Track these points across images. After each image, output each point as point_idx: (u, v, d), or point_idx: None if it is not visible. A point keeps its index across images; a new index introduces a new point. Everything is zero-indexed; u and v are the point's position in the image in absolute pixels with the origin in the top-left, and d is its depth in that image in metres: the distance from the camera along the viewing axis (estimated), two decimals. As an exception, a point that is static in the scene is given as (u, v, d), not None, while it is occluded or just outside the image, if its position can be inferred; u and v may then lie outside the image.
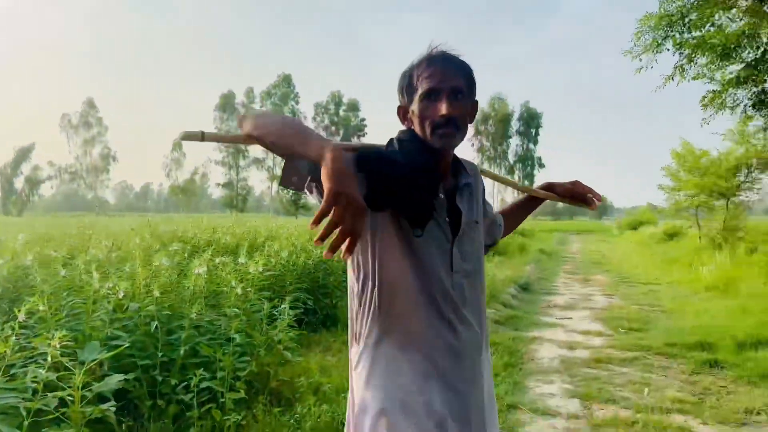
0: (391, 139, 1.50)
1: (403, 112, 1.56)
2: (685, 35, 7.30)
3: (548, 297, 9.53)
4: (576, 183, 1.93)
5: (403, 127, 1.56)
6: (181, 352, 3.43)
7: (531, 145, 60.41)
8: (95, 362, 2.91)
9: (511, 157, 60.33)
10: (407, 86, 1.50)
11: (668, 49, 7.49)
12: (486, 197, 1.77)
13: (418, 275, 1.45)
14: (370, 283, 1.48)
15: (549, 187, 1.96)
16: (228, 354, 3.48)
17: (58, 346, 2.63)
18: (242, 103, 62.30)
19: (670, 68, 8.09)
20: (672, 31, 7.29)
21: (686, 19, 7.12)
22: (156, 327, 3.43)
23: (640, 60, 7.85)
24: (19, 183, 63.20)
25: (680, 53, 7.49)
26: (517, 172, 59.81)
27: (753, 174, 15.15)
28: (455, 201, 1.52)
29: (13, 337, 2.71)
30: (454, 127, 1.43)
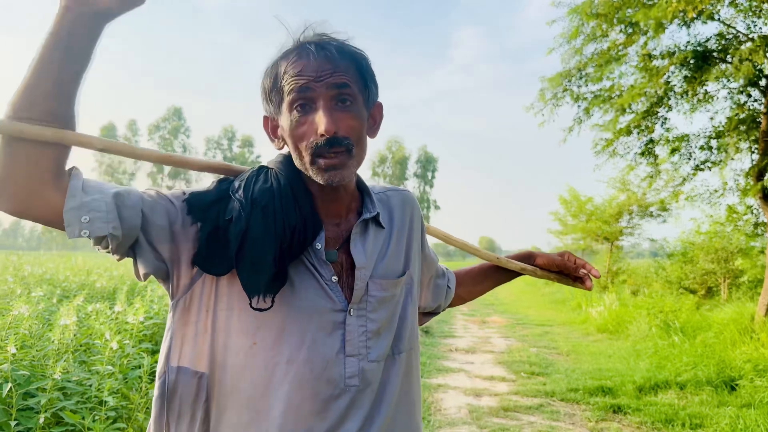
0: (262, 168, 1.08)
1: (271, 126, 1.10)
2: (582, 89, 7.63)
3: (449, 340, 9.41)
4: (565, 254, 1.42)
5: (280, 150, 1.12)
6: (41, 419, 2.86)
7: (427, 188, 61.82)
8: None
9: (407, 199, 61.71)
10: (271, 88, 1.04)
11: (567, 103, 7.77)
12: (427, 243, 1.32)
13: (278, 369, 0.99)
14: (189, 382, 1.01)
15: (527, 258, 1.45)
16: (99, 420, 2.95)
17: None
18: (124, 136, 59.50)
19: (569, 120, 8.47)
20: (570, 84, 7.58)
21: (582, 73, 7.44)
22: (10, 390, 2.85)
23: (543, 115, 8.09)
24: None
25: (578, 105, 7.78)
26: (412, 213, 61.26)
27: (633, 220, 16.10)
28: (350, 248, 1.08)
29: None
30: (343, 152, 0.98)
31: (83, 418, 2.92)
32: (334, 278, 1.04)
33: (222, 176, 1.09)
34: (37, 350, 3.30)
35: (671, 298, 10.67)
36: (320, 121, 0.96)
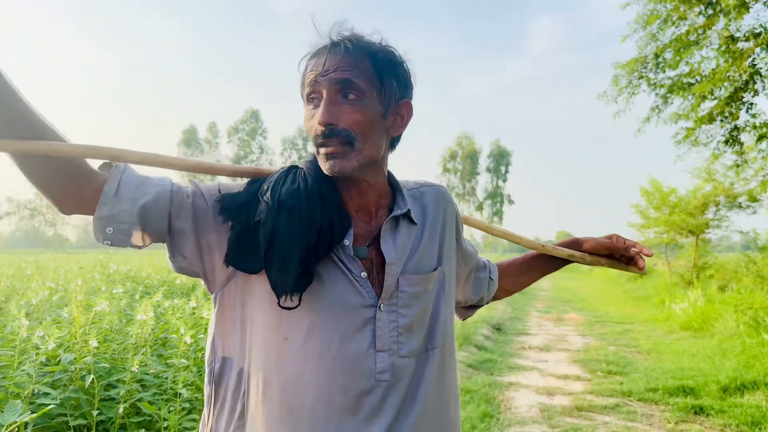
0: (292, 168, 1.09)
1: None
2: (660, 75, 7.27)
3: (522, 338, 9.24)
4: (613, 236, 1.39)
5: None
6: (120, 410, 3.02)
7: (500, 182, 60.50)
8: (15, 425, 2.51)
9: (480, 194, 60.20)
10: (300, 86, 1.08)
11: (644, 91, 7.42)
12: (463, 237, 1.30)
13: (308, 364, 1.01)
14: (232, 374, 1.05)
15: (575, 244, 1.43)
16: (174, 411, 3.09)
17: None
18: (205, 138, 61.75)
19: (645, 110, 8.09)
20: (646, 71, 7.24)
21: (659, 59, 7.10)
22: (92, 381, 3.03)
23: (617, 103, 7.77)
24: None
25: (656, 94, 7.42)
26: (486, 209, 59.86)
27: (720, 211, 15.25)
28: (380, 244, 1.08)
29: None
30: (340, 142, 1.00)
31: (159, 409, 3.06)
32: (364, 274, 1.05)
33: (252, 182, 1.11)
34: (117, 344, 3.49)
35: (762, 293, 10.04)
36: (318, 113, 1.00)
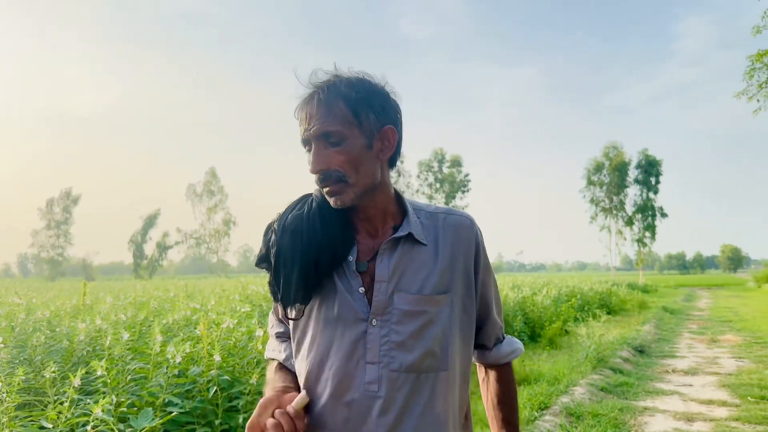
0: (303, 197, 1.23)
1: None
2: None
3: (667, 360, 8.61)
4: None
5: None
6: (240, 419, 3.27)
7: (651, 194, 56.12)
8: (147, 429, 2.82)
9: (629, 208, 56.18)
10: None
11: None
12: (483, 278, 1.25)
13: (312, 373, 1.14)
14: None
15: None
16: (287, 423, 3.28)
17: (100, 412, 2.55)
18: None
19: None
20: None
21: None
22: (215, 393, 3.32)
23: (758, 101, 7.11)
24: (149, 249, 67.79)
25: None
26: (636, 223, 55.72)
27: None
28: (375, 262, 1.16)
29: (66, 403, 2.71)
30: (335, 182, 1.10)
31: (274, 420, 3.27)
32: (362, 289, 1.13)
33: (268, 225, 1.22)
34: (239, 358, 3.78)
35: None
36: (311, 162, 1.12)
